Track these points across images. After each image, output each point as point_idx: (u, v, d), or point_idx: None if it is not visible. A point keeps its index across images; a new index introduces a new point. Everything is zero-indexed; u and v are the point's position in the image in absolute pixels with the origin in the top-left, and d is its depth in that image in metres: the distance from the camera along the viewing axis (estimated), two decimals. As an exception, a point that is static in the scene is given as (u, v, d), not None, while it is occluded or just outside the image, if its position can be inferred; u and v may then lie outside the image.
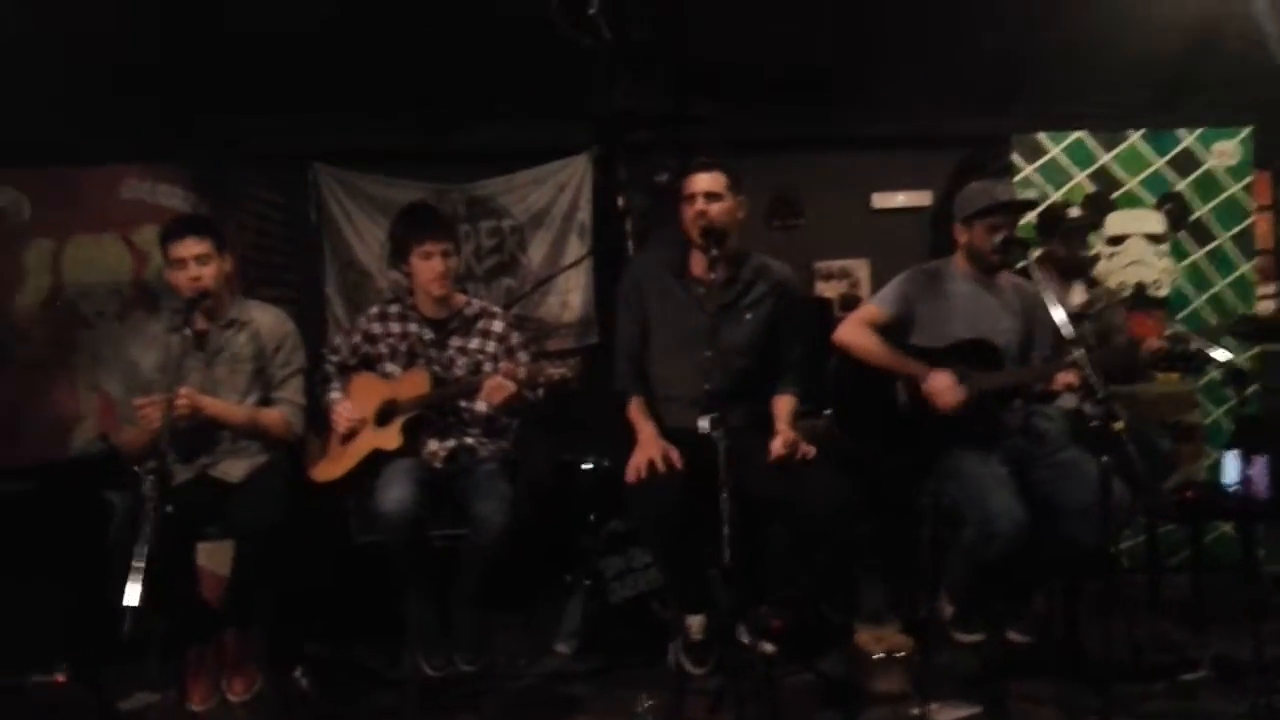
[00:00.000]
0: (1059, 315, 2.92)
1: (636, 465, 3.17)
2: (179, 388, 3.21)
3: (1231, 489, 4.46)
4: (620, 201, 5.28)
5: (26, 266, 4.98)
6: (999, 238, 3.39)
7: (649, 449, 3.18)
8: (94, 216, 5.03)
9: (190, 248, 3.41)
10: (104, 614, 2.62)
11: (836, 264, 5.54)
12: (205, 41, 4.58)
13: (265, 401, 3.56)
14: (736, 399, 3.34)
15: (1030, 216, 4.88)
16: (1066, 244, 4.16)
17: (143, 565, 2.45)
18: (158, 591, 2.45)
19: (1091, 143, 5.09)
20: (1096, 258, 4.89)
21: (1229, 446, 4.72)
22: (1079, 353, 2.84)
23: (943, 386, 3.31)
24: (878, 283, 5.23)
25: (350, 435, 3.58)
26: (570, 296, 5.33)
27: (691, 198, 3.31)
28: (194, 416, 3.28)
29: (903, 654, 3.53)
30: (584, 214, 5.30)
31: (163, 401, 3.08)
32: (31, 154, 4.90)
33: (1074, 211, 4.37)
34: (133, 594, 2.40)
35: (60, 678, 3.73)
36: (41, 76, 4.52)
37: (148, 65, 4.62)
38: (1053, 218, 4.32)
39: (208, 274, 3.42)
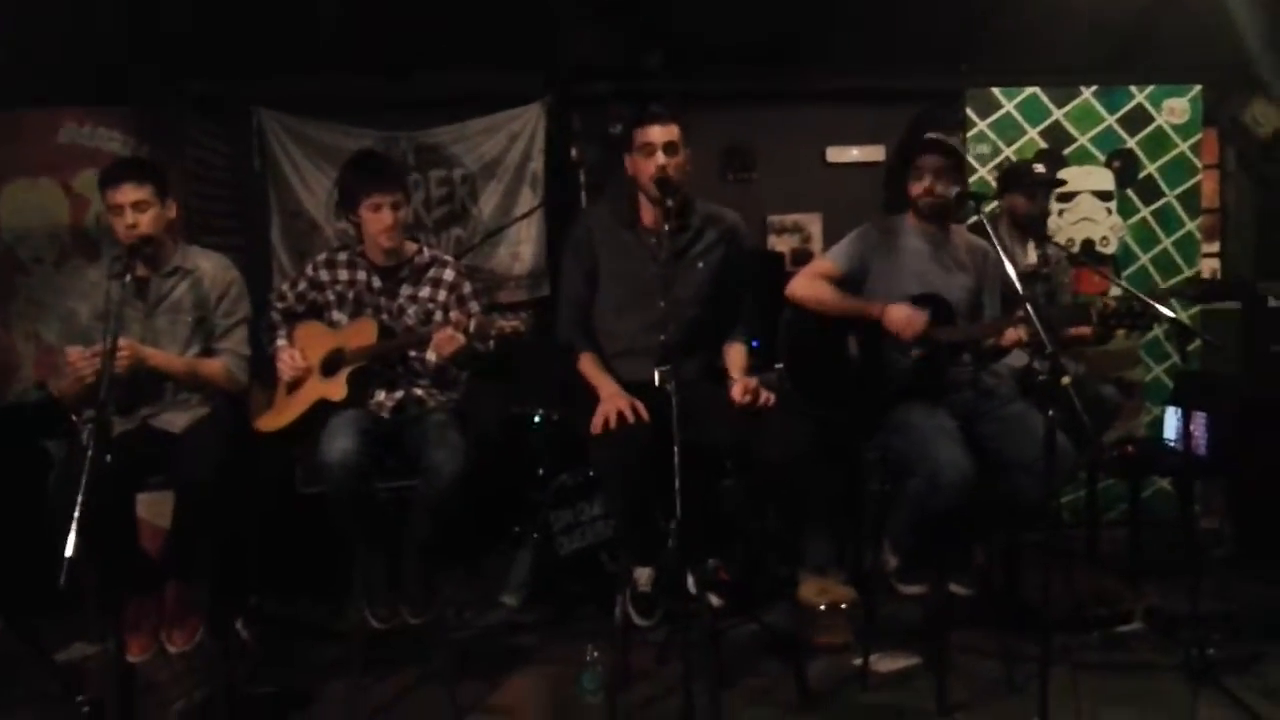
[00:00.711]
0: (1011, 272, 2.93)
1: (604, 415, 3.12)
2: (120, 339, 3.13)
3: (1171, 445, 4.56)
4: (574, 153, 5.23)
5: (-39, 211, 4.85)
6: (938, 184, 3.40)
7: (616, 401, 3.15)
8: (31, 160, 4.90)
9: (128, 194, 3.31)
10: (40, 564, 2.57)
11: (789, 218, 5.54)
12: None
13: (208, 351, 3.49)
14: (690, 350, 3.34)
15: (984, 170, 4.91)
16: (1029, 198, 4.16)
17: (80, 515, 2.38)
18: (96, 542, 2.40)
19: (1044, 99, 5.11)
20: (1047, 214, 4.92)
21: (1169, 403, 4.82)
22: (1029, 309, 2.85)
23: (904, 315, 3.30)
24: (830, 237, 5.25)
25: (296, 385, 3.53)
26: (521, 248, 5.29)
27: (648, 148, 3.25)
28: (135, 368, 3.22)
29: (846, 605, 3.58)
30: (536, 164, 5.25)
31: (101, 352, 3.00)
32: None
33: (1039, 167, 4.37)
34: (70, 545, 2.34)
35: (-7, 627, 3.69)
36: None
37: (91, 6, 4.48)
38: (1015, 173, 4.32)
39: (145, 220, 3.32)
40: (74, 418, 3.43)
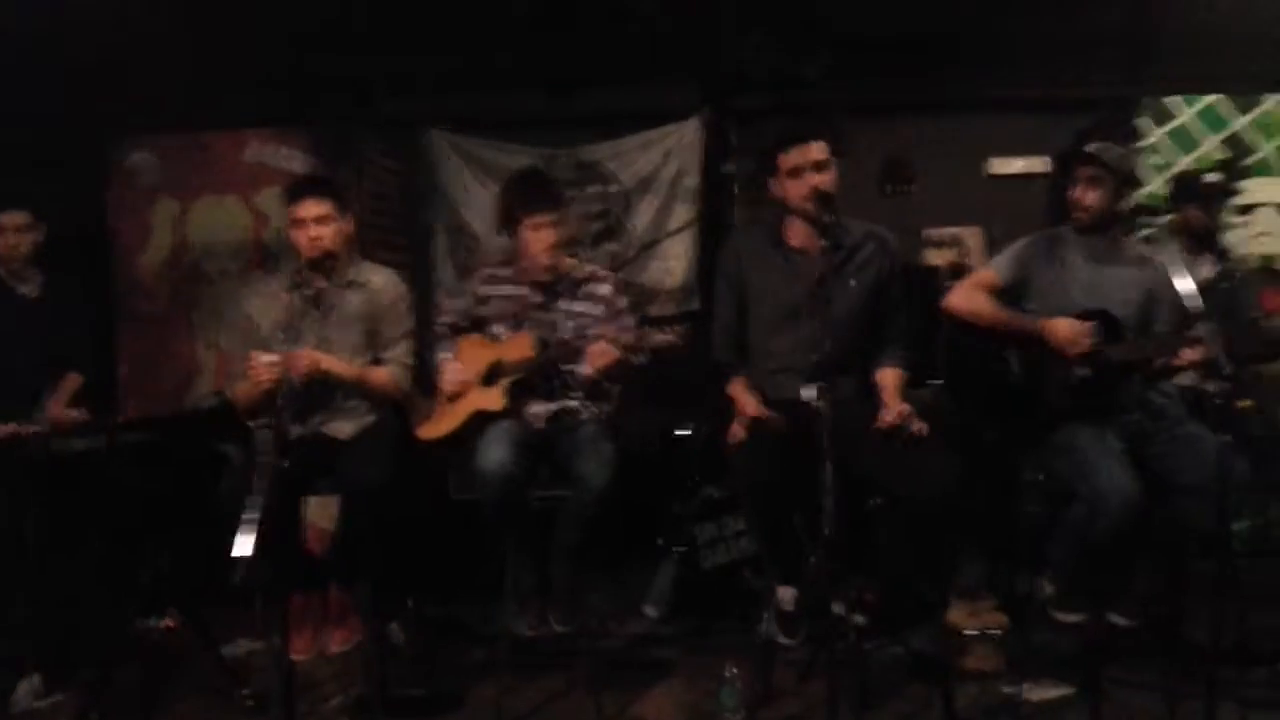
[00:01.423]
0: (1186, 287, 2.78)
1: (738, 426, 3.15)
2: (299, 348, 3.29)
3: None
4: (729, 167, 5.23)
5: (153, 226, 5.19)
6: (1089, 195, 3.30)
7: (751, 412, 3.17)
8: (218, 178, 5.22)
9: (311, 209, 3.49)
10: (213, 563, 2.71)
11: (947, 231, 5.40)
12: (327, 8, 4.68)
13: (376, 361, 3.65)
14: (843, 370, 3.29)
15: (1159, 182, 4.69)
16: (1204, 209, 3.95)
17: (256, 517, 2.51)
18: (266, 543, 2.52)
19: (1226, 107, 4.84)
20: (1225, 227, 4.67)
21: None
22: (1206, 327, 2.71)
23: (1069, 331, 3.19)
24: (990, 251, 5.09)
25: (456, 395, 3.64)
26: (674, 263, 5.32)
27: (798, 170, 3.23)
28: (311, 374, 3.38)
29: (997, 631, 3.47)
30: (691, 179, 5.28)
31: (280, 360, 3.16)
32: (162, 117, 5.09)
33: (1211, 177, 4.15)
34: (244, 544, 2.46)
35: (169, 623, 3.91)
36: (171, 42, 4.68)
37: (274, 31, 4.75)
38: (1188, 182, 4.11)
39: (328, 235, 3.50)
40: (249, 423, 3.62)
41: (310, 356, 3.36)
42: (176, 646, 3.77)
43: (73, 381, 3.98)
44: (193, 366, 5.18)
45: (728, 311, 3.47)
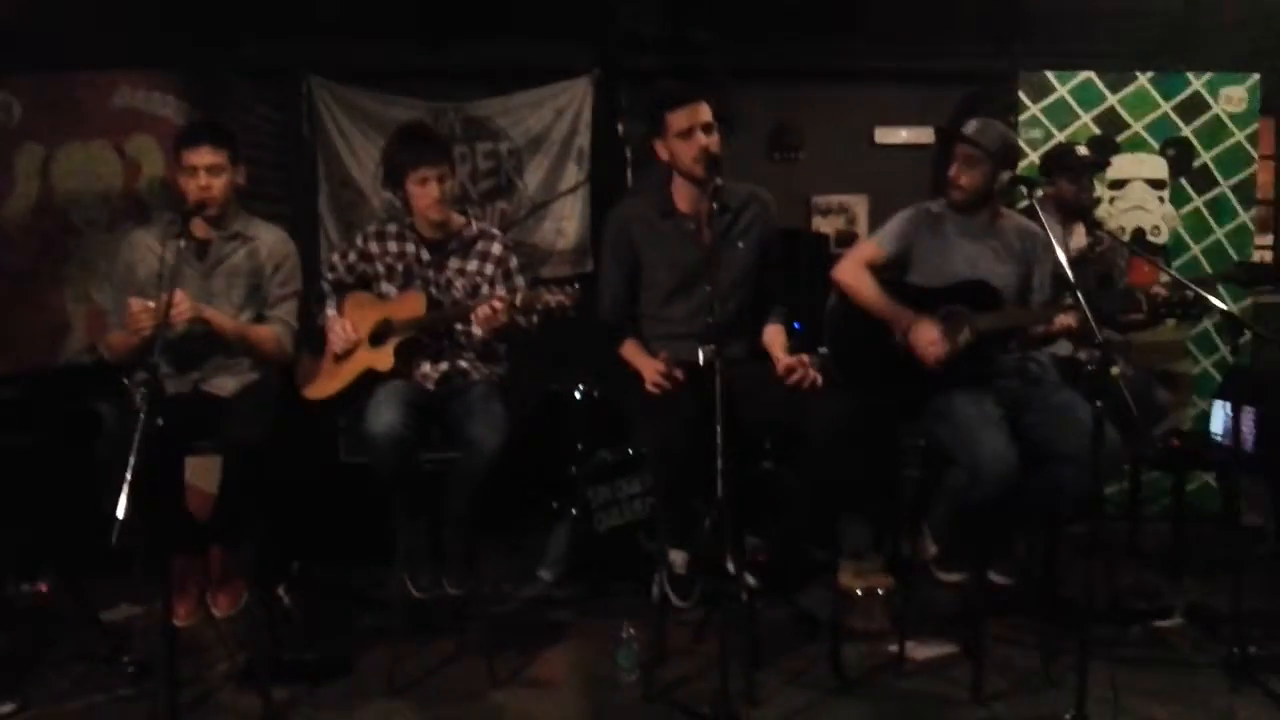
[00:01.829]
0: (1061, 257, 2.89)
1: (652, 380, 3.16)
2: (179, 293, 3.17)
3: (1218, 440, 4.50)
4: (620, 128, 5.21)
5: (16, 172, 4.91)
6: (965, 176, 3.40)
7: (657, 365, 3.19)
8: (86, 123, 4.95)
9: (205, 156, 3.38)
10: (89, 525, 2.62)
11: (835, 199, 5.50)
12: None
13: (259, 319, 3.54)
14: (735, 332, 3.36)
15: (1035, 155, 4.85)
16: (1075, 182, 4.11)
17: (131, 477, 2.41)
18: (145, 504, 2.43)
19: (1099, 84, 5.03)
20: (1098, 200, 4.86)
21: (1217, 397, 4.76)
22: (1079, 296, 2.82)
23: (926, 340, 3.29)
24: (876, 219, 5.22)
25: (344, 354, 3.56)
26: (565, 224, 5.28)
27: (688, 131, 3.24)
28: (192, 321, 3.26)
29: (883, 591, 3.58)
30: (583, 139, 5.24)
31: (158, 307, 3.04)
32: (24, 57, 4.80)
33: (1081, 150, 4.31)
34: (121, 505, 2.37)
35: (43, 587, 3.76)
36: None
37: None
38: (1060, 156, 4.26)
39: (218, 185, 3.40)
40: (125, 380, 3.48)
41: (191, 304, 3.24)
42: (51, 611, 3.62)
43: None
44: (62, 320, 4.93)
45: (616, 278, 3.47)
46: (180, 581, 3.53)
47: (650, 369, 3.22)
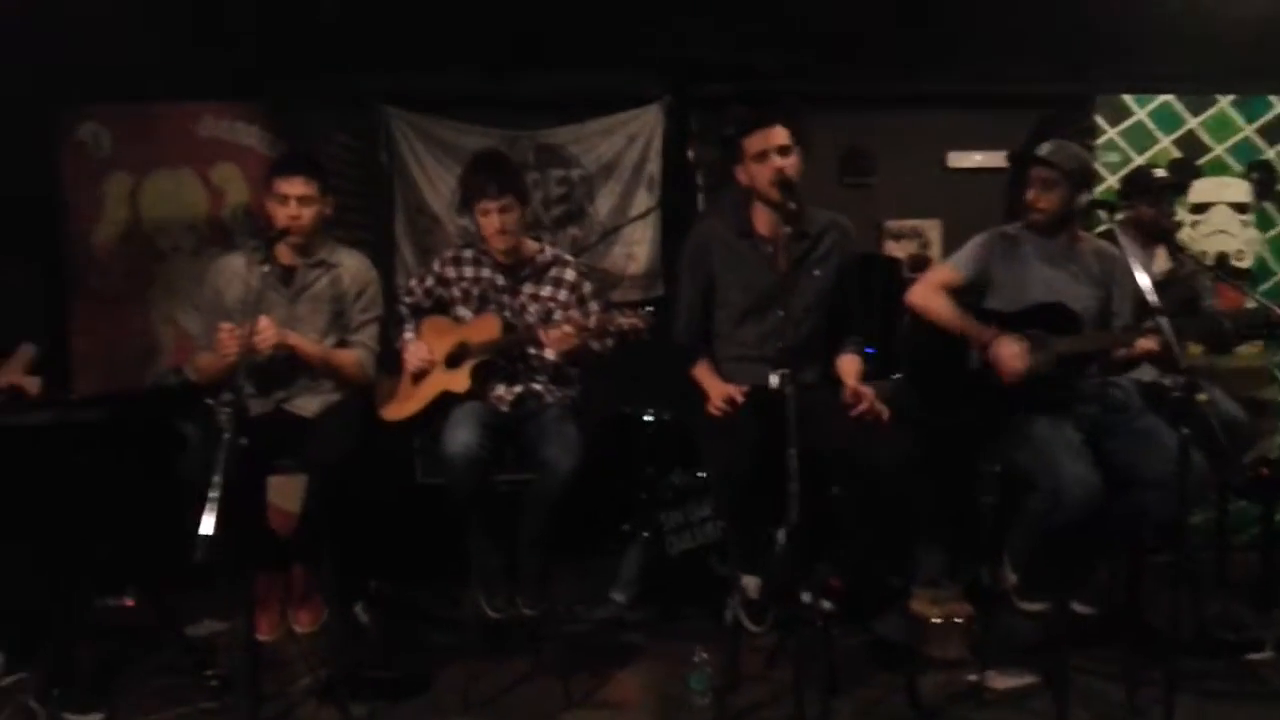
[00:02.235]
0: (1143, 280, 2.84)
1: (715, 404, 3.17)
2: (264, 319, 3.25)
3: (1307, 468, 4.37)
4: (690, 154, 5.23)
5: (106, 200, 5.07)
6: (1043, 198, 3.38)
7: (722, 390, 3.21)
8: (172, 152, 5.10)
9: (298, 186, 3.46)
10: (174, 542, 2.67)
11: (908, 224, 5.45)
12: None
13: (342, 344, 3.62)
14: (808, 357, 3.35)
15: (1113, 179, 4.77)
16: (1154, 205, 4.04)
17: (217, 495, 2.47)
18: (229, 522, 2.48)
19: (1179, 106, 4.95)
20: (1179, 224, 4.77)
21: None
22: (1162, 320, 2.76)
23: (1009, 354, 3.26)
24: (949, 244, 5.17)
25: (420, 376, 3.62)
26: (636, 249, 5.31)
27: (762, 154, 3.25)
28: (277, 346, 3.34)
29: (961, 620, 3.52)
30: (653, 166, 5.27)
31: (244, 332, 3.11)
32: (113, 89, 4.97)
33: (1160, 172, 4.24)
34: (206, 523, 2.42)
35: (130, 602, 3.85)
36: (124, 13, 4.57)
37: (228, 5, 4.65)
38: (1138, 179, 4.20)
39: (308, 214, 3.48)
40: (210, 400, 3.56)
41: (276, 330, 3.32)
42: (137, 626, 3.70)
43: (26, 351, 3.89)
44: (150, 343, 5.07)
45: (692, 297, 3.47)
46: (263, 598, 3.60)
47: (717, 391, 3.22)
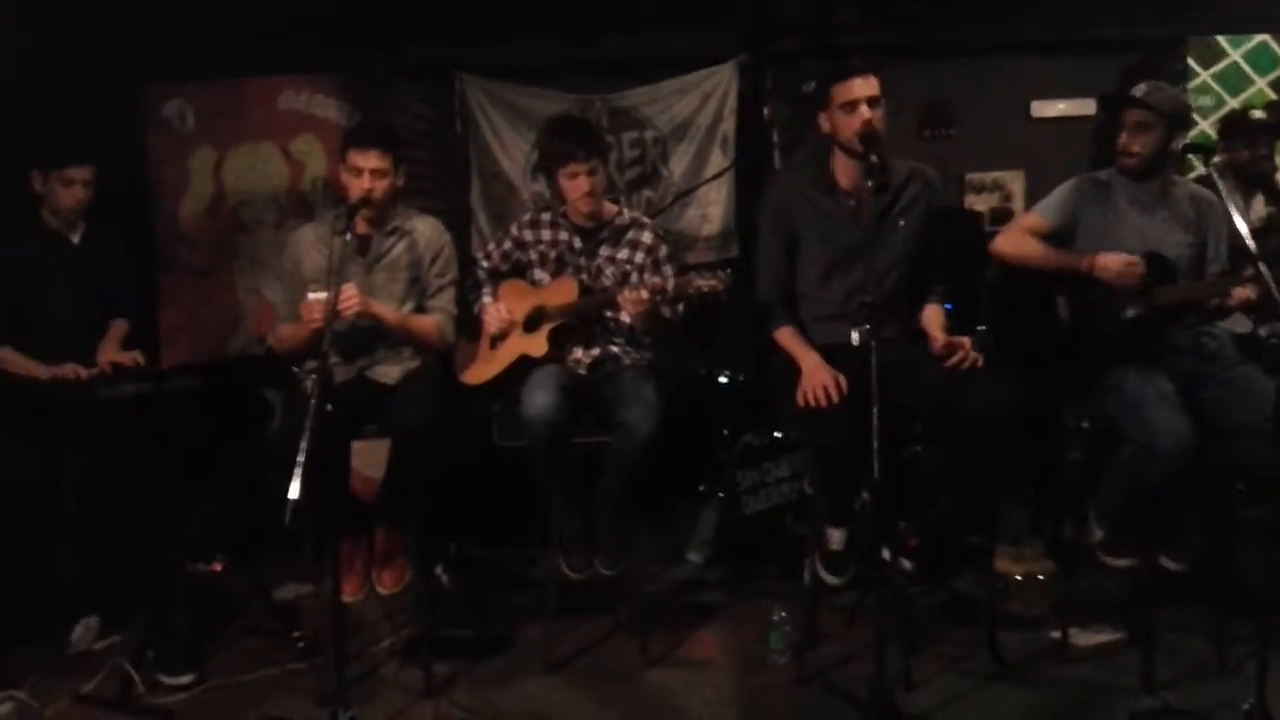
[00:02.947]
0: (1241, 226, 2.72)
1: (807, 391, 3.03)
2: (347, 286, 3.30)
3: None
4: (765, 112, 5.17)
5: (192, 175, 5.20)
6: (1137, 141, 3.26)
7: (819, 374, 3.06)
8: (253, 126, 5.20)
9: (372, 160, 3.48)
10: (261, 507, 2.74)
11: (989, 176, 5.32)
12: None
13: (420, 309, 3.66)
14: (892, 312, 3.27)
15: (1206, 124, 4.60)
16: (1250, 148, 3.88)
17: (304, 461, 2.51)
18: (314, 487, 2.53)
19: (1276, 46, 4.74)
20: (1278, 169, 4.58)
21: None
22: (1261, 267, 2.65)
23: (1118, 263, 3.16)
24: (1033, 196, 5.02)
25: (499, 338, 3.65)
26: (710, 210, 5.27)
27: (852, 104, 3.16)
28: (359, 315, 3.39)
29: (1044, 577, 3.45)
30: (727, 125, 5.21)
31: (329, 300, 3.16)
32: (197, 67, 5.08)
33: (1257, 114, 4.06)
34: (294, 488, 2.47)
35: (219, 566, 3.96)
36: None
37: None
38: (1235, 121, 4.04)
39: (381, 187, 3.50)
40: (295, 369, 3.64)
41: (361, 297, 3.37)
42: (226, 589, 3.82)
43: (120, 327, 4.01)
44: (236, 314, 5.21)
45: (775, 253, 3.40)
46: (347, 561, 3.67)
47: (813, 373, 3.08)
